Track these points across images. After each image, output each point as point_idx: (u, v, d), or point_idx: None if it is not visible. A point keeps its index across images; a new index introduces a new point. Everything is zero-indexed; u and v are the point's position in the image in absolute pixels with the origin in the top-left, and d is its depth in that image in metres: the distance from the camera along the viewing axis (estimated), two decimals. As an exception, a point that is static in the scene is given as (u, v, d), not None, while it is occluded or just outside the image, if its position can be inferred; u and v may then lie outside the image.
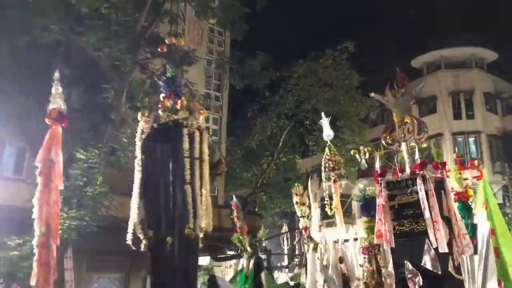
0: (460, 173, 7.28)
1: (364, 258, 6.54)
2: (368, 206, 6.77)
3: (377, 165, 6.43)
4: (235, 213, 8.10)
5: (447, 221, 5.79)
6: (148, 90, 13.75)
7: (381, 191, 5.99)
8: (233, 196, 8.72)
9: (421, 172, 5.88)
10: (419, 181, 5.80)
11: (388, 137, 6.35)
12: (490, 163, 29.10)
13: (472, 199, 7.22)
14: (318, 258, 7.07)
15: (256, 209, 22.67)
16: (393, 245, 5.78)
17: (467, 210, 7.11)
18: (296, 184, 8.47)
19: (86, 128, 12.08)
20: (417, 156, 6.17)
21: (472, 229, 7.06)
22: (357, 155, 8.16)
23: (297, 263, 23.11)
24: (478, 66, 31.90)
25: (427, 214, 5.61)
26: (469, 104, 30.43)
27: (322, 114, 9.00)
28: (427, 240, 5.62)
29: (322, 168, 8.48)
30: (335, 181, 8.16)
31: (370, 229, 6.55)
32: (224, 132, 23.57)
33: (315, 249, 7.12)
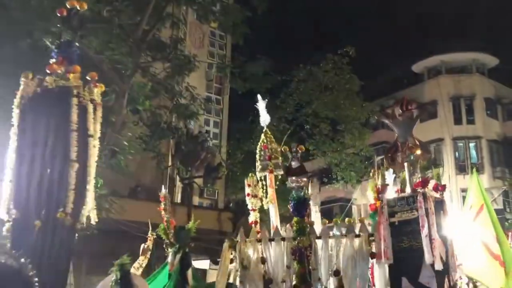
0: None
1: (294, 259, 6.29)
2: (300, 206, 6.57)
3: (379, 182, 6.45)
4: (162, 205, 7.30)
5: (445, 240, 5.91)
6: (149, 94, 13.80)
7: (382, 207, 6.06)
8: (162, 187, 7.92)
9: (422, 190, 5.98)
10: (419, 198, 5.88)
11: (390, 157, 6.45)
12: (491, 168, 29.12)
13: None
14: (235, 257, 6.36)
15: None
16: (392, 262, 5.84)
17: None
18: (250, 175, 7.67)
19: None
20: (418, 175, 6.25)
21: None
22: (288, 153, 7.59)
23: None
24: (479, 72, 31.94)
25: (425, 231, 5.70)
26: (470, 109, 30.45)
27: (259, 96, 8.00)
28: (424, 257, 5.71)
29: (257, 157, 7.63)
30: (271, 172, 7.48)
31: (301, 230, 6.28)
32: (224, 136, 23.63)
33: (231, 246, 6.48)
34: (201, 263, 16.24)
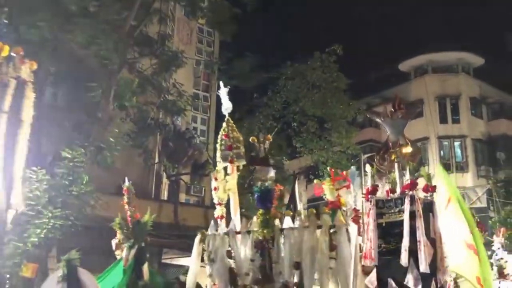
0: (332, 184, 6.94)
1: (257, 252, 6.17)
2: (264, 198, 6.40)
3: (369, 182, 6.41)
4: (125, 199, 6.92)
5: (433, 243, 5.91)
6: (136, 90, 13.72)
7: (371, 209, 6.04)
8: (126, 179, 7.35)
9: (410, 192, 5.97)
10: (406, 201, 5.89)
11: (381, 157, 6.43)
12: (475, 167, 29.45)
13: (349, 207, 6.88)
14: (205, 250, 6.19)
15: (243, 210, 22.65)
16: (377, 263, 5.83)
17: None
18: (216, 169, 7.37)
19: (72, 127, 12.00)
20: (407, 176, 6.23)
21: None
22: (255, 143, 7.33)
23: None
24: (465, 71, 32.25)
25: (405, 233, 5.71)
26: (455, 109, 30.76)
27: (221, 82, 7.70)
28: (411, 259, 5.70)
29: (218, 146, 7.36)
30: (231, 162, 7.21)
31: (265, 222, 6.01)
32: (212, 133, 23.52)
33: (202, 240, 6.33)
34: (187, 260, 16.20)
